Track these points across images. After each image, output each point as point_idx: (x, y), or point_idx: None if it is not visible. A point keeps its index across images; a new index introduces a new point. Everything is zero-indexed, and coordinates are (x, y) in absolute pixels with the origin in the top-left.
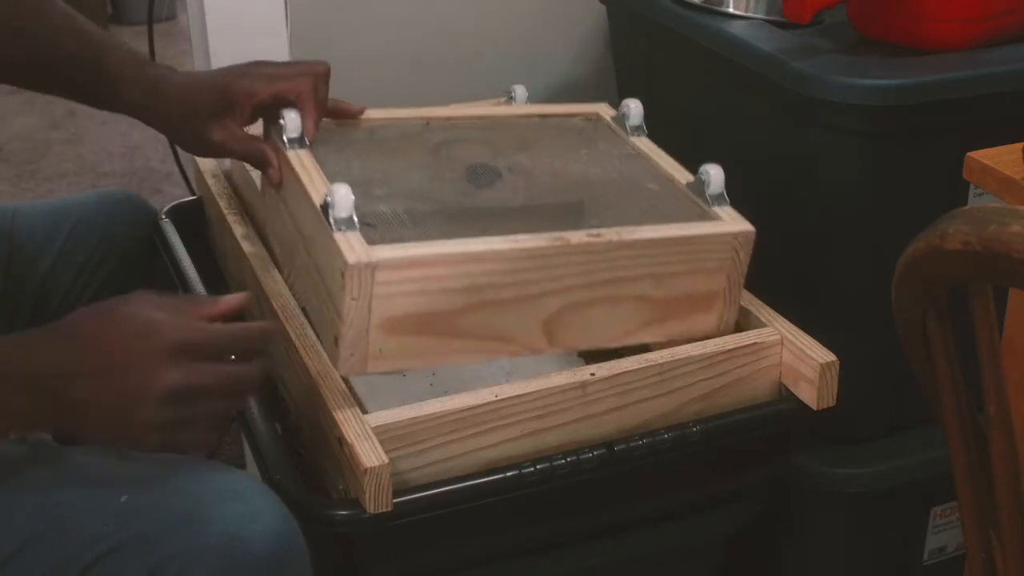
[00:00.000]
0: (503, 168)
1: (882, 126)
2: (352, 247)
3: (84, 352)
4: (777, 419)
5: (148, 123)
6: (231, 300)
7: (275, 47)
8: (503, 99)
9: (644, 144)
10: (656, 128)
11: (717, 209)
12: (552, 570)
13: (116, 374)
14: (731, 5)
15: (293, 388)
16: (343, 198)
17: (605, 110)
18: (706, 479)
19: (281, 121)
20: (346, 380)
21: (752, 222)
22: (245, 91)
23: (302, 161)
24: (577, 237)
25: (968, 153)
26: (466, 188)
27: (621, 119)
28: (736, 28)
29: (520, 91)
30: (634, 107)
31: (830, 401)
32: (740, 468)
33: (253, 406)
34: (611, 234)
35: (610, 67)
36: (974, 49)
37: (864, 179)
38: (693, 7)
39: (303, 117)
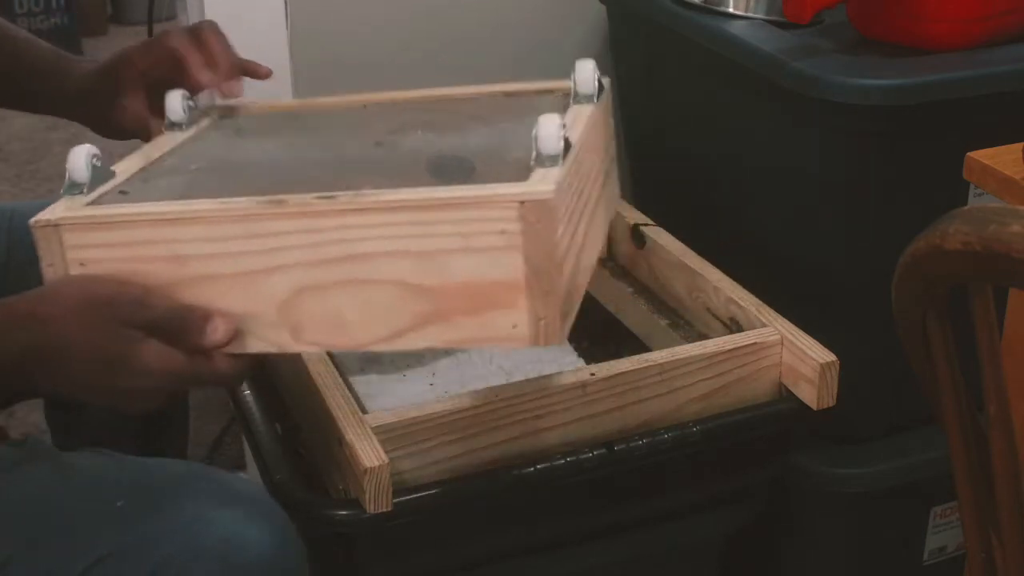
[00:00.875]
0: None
1: (882, 126)
2: (52, 209)
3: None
4: (777, 419)
5: (67, 117)
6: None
7: (275, 47)
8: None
9: (575, 112)
10: (656, 128)
11: (540, 171)
12: (552, 570)
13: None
14: (731, 5)
15: (293, 388)
16: (75, 161)
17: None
18: (706, 479)
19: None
20: (346, 380)
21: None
22: (125, 64)
23: (160, 143)
24: (299, 199)
25: (968, 153)
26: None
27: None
28: (736, 28)
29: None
30: (581, 73)
31: (830, 401)
32: (740, 468)
33: (253, 406)
34: (347, 197)
35: (610, 67)
36: (974, 49)
37: (864, 179)
38: (693, 7)
39: (191, 73)
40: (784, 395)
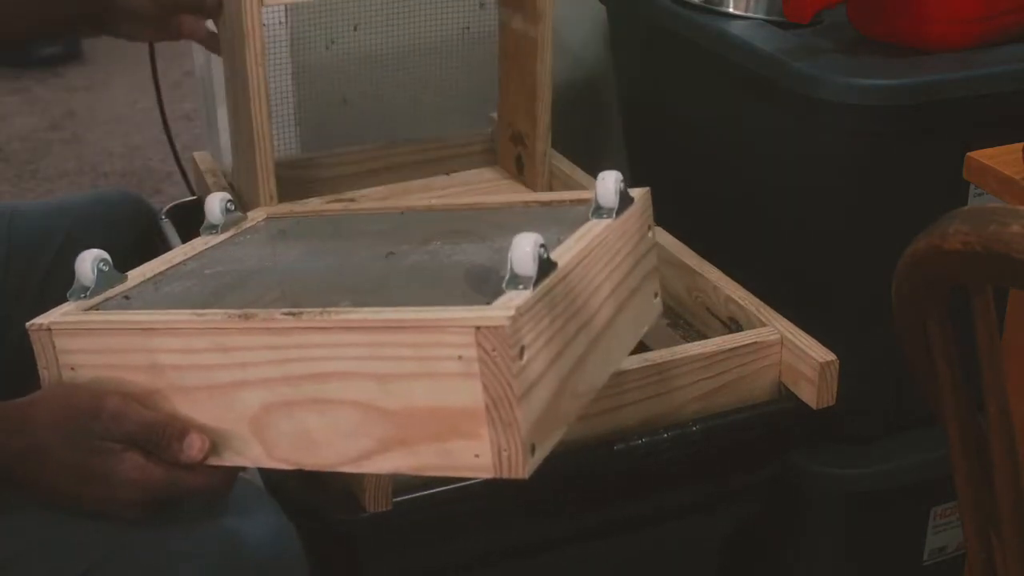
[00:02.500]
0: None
1: (882, 126)
2: (50, 313)
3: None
4: (777, 419)
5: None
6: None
7: (275, 47)
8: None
9: (589, 227)
10: (656, 128)
11: (509, 294)
12: (552, 570)
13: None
14: (731, 5)
15: None
16: (81, 265)
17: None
18: (706, 479)
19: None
20: None
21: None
22: None
23: (188, 247)
24: (265, 314)
25: (968, 153)
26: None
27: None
28: (736, 28)
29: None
30: (602, 186)
31: (830, 401)
32: (740, 468)
33: None
34: (311, 314)
35: (610, 67)
36: (974, 49)
37: (864, 179)
38: (693, 7)
39: None
40: (784, 394)
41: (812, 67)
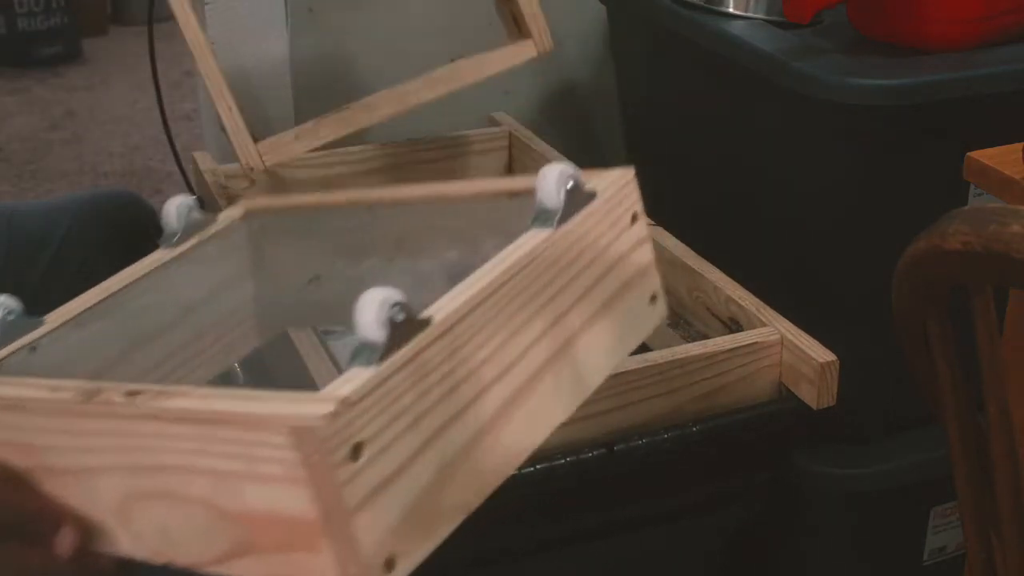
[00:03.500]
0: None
1: (882, 126)
2: None
3: None
4: (777, 419)
5: None
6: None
7: (275, 47)
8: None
9: (514, 248)
10: (656, 128)
11: (349, 372)
12: (552, 570)
13: None
14: (731, 5)
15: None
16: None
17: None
18: (706, 479)
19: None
20: None
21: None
22: None
23: (137, 268)
24: (106, 396)
25: (968, 153)
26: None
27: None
28: (736, 28)
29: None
30: (543, 181)
31: (830, 401)
32: (740, 468)
33: None
34: (145, 398)
35: (610, 67)
36: (974, 49)
37: (864, 179)
38: (693, 7)
39: None
40: (784, 395)
41: (812, 67)
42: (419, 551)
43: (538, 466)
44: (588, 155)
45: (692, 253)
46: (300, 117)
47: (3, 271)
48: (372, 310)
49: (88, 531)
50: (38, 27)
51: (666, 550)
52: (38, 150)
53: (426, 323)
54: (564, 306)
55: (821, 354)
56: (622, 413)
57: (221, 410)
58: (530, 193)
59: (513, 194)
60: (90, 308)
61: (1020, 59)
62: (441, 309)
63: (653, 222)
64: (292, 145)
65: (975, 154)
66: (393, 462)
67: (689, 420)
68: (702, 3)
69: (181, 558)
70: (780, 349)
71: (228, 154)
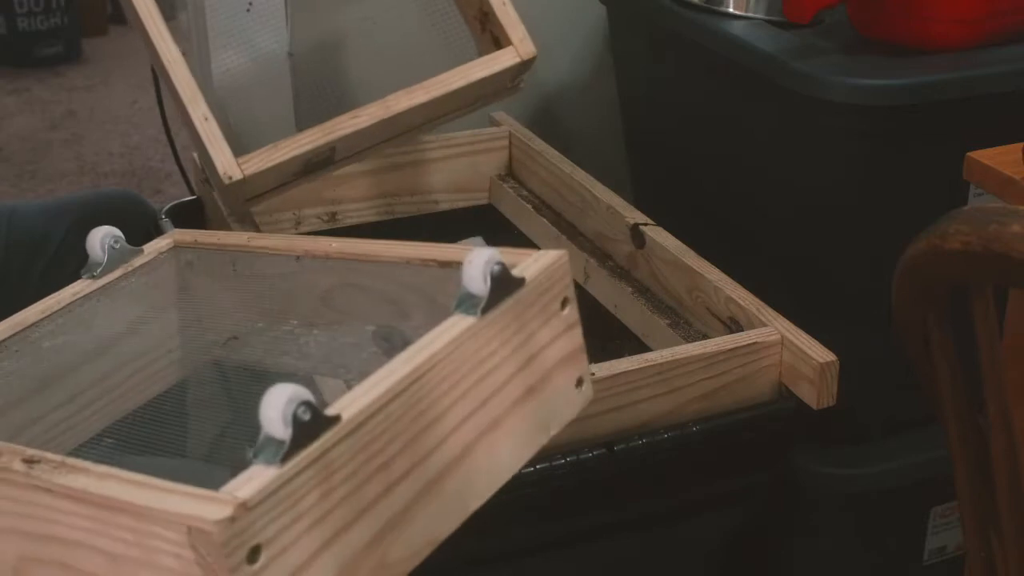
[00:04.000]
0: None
1: (882, 126)
2: None
3: None
4: (777, 419)
5: None
6: None
7: (275, 47)
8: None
9: (435, 334)
10: (656, 128)
11: (251, 471)
12: (552, 570)
13: None
14: (731, 5)
15: None
16: None
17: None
18: (706, 479)
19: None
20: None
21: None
22: None
23: (60, 296)
24: (5, 461)
25: (968, 153)
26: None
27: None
28: (736, 28)
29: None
30: (468, 271)
31: (830, 401)
32: (740, 468)
33: None
34: (42, 469)
35: (610, 67)
36: (974, 49)
37: (864, 179)
38: (693, 7)
39: None
40: (784, 395)
41: (812, 67)
42: None
43: (538, 466)
44: (588, 155)
45: (692, 253)
46: (300, 117)
47: (3, 271)
48: (278, 407)
49: None
50: (38, 27)
51: (666, 550)
52: (38, 150)
53: (334, 420)
54: (485, 395)
55: (821, 354)
56: (622, 413)
57: (118, 498)
58: (459, 265)
59: (443, 264)
60: (4, 342)
61: (1020, 59)
62: (351, 405)
63: (653, 222)
64: (271, 153)
65: (975, 154)
66: (292, 563)
67: (689, 420)
68: (702, 3)
69: None
70: (780, 349)
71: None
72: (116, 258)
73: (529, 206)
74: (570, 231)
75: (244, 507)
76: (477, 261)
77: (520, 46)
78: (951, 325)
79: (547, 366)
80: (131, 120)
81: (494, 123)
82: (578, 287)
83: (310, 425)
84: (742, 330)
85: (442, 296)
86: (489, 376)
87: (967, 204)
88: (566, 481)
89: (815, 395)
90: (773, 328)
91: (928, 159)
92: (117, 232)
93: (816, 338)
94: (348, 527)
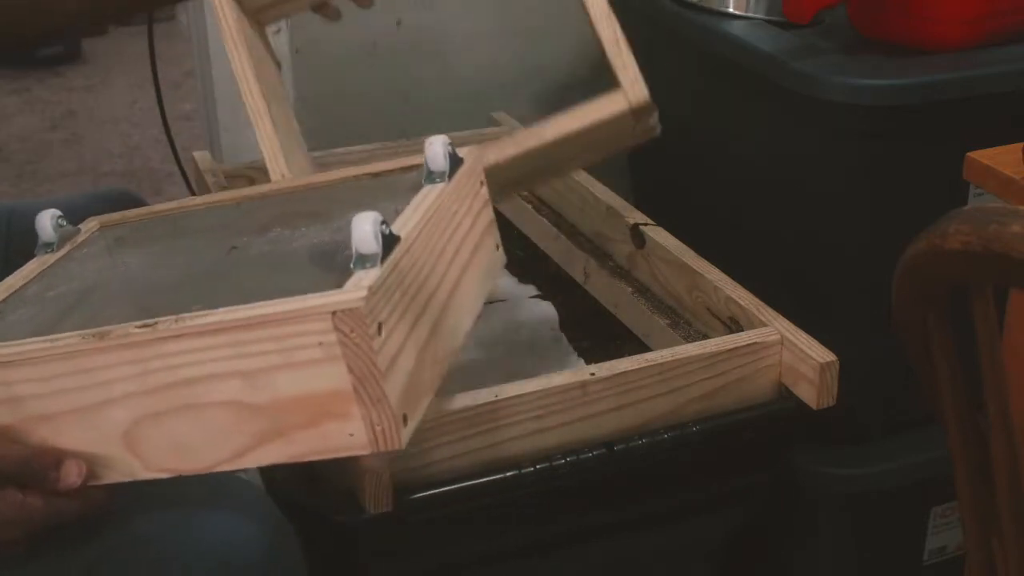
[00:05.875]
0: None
1: (882, 126)
2: None
3: None
4: (777, 419)
5: None
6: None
7: (275, 47)
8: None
9: (425, 193)
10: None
11: (358, 274)
12: (552, 570)
13: None
14: (731, 5)
15: None
16: None
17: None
18: (706, 479)
19: None
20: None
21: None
22: None
23: (25, 270)
24: (120, 330)
25: (968, 153)
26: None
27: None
28: (736, 28)
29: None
30: (431, 151)
31: (830, 401)
32: (740, 468)
33: None
34: (166, 323)
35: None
36: (974, 49)
37: (864, 179)
38: (693, 7)
39: None
40: (784, 395)
41: (812, 67)
42: (418, 411)
43: (538, 466)
44: None
45: (692, 253)
46: (300, 120)
47: (3, 271)
48: (367, 227)
49: (89, 465)
50: None
51: (666, 550)
52: (38, 150)
53: (398, 238)
54: (458, 241)
55: (821, 354)
56: (622, 413)
57: (259, 314)
58: (404, 171)
59: (375, 175)
60: (3, 300)
61: (1020, 59)
62: (402, 229)
63: (653, 222)
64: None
65: (975, 154)
66: (398, 339)
67: (689, 420)
68: (702, 3)
69: (194, 465)
70: (780, 349)
71: (228, 154)
72: (64, 237)
73: (529, 206)
74: (570, 231)
75: (371, 291)
76: (438, 144)
77: (632, 90)
78: (951, 325)
79: (481, 228)
80: (131, 120)
81: (494, 123)
82: (578, 287)
83: (388, 239)
84: (742, 330)
85: (378, 204)
86: (459, 227)
87: (967, 204)
88: (566, 481)
89: (815, 395)
90: (773, 328)
91: (928, 159)
92: (59, 213)
93: (816, 338)
94: (417, 321)
